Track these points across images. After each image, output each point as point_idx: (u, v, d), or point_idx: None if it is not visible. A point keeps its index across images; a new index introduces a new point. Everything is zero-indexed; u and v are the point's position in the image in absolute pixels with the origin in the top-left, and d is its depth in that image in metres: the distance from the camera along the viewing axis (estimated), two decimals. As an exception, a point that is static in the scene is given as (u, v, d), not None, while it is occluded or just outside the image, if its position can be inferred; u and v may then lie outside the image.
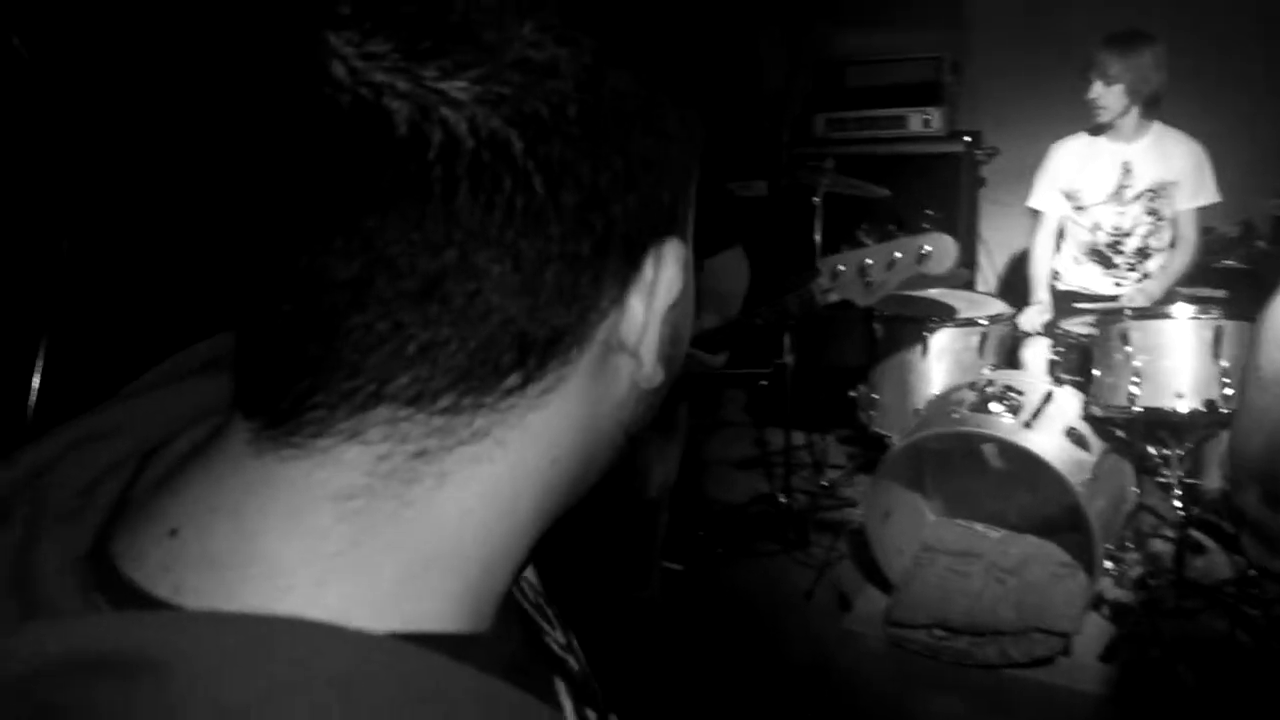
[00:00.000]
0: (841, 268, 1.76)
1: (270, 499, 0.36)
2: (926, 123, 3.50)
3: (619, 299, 0.39)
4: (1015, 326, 3.08)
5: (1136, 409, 2.36)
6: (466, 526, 0.38)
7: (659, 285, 0.40)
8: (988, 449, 2.78)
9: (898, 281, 1.74)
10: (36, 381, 1.65)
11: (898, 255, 1.70)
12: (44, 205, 1.85)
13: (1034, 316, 3.05)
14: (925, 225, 1.76)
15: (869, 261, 1.73)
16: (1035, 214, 3.22)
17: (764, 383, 3.10)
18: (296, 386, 0.36)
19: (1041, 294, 3.11)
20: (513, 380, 0.37)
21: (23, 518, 0.40)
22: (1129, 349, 2.37)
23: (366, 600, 0.36)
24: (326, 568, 0.35)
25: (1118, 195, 3.01)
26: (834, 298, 1.79)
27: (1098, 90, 2.90)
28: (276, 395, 0.36)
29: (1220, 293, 3.06)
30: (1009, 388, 2.55)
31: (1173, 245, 3.03)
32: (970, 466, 2.84)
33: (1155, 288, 2.97)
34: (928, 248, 1.69)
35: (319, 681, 0.32)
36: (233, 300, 0.39)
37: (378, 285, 0.34)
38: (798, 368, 2.96)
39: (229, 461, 0.38)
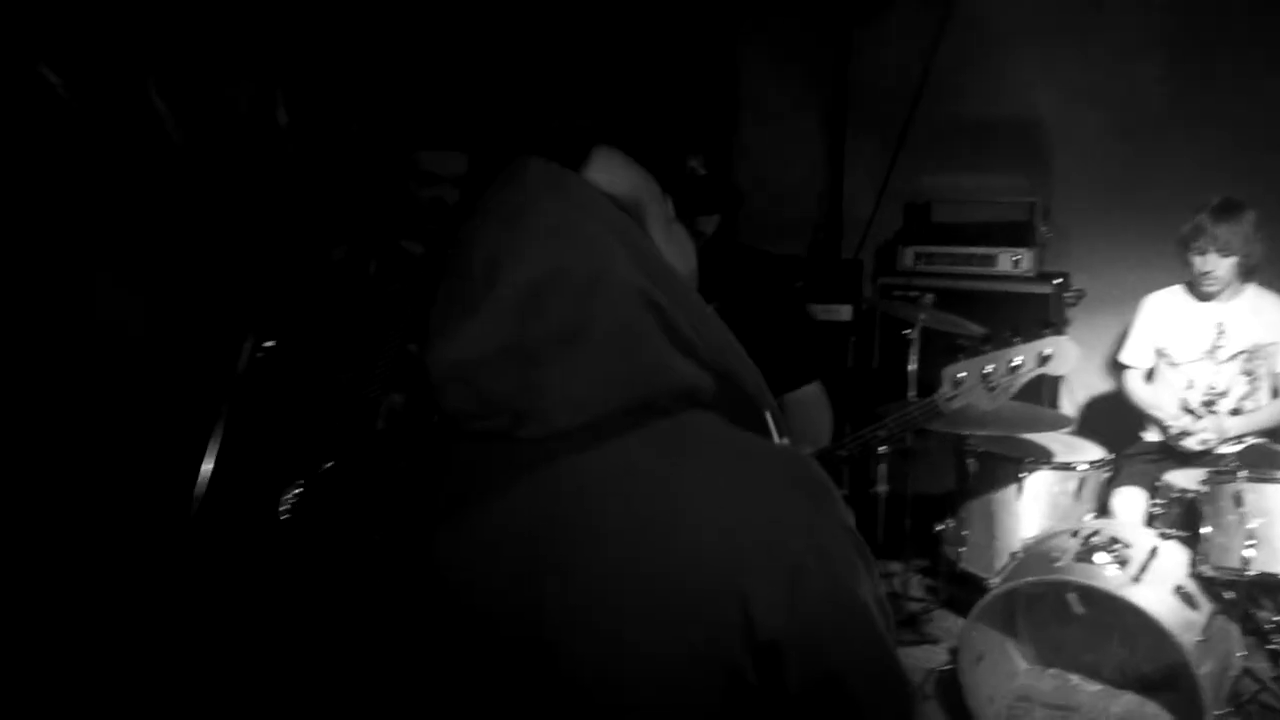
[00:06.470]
0: (963, 375, 1.81)
1: None
2: (1016, 263, 3.56)
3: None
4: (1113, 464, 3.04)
5: (1250, 572, 2.33)
6: None
7: None
8: (1070, 595, 2.73)
9: (1020, 384, 1.80)
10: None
11: (1020, 359, 1.76)
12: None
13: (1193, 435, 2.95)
14: (1045, 331, 1.84)
15: (991, 367, 1.78)
16: (1123, 366, 3.23)
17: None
18: None
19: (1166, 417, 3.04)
20: None
21: None
22: (1243, 510, 2.36)
23: None
24: None
25: (1212, 354, 3.02)
26: (958, 405, 1.84)
27: (1212, 262, 2.90)
28: None
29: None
30: (1114, 539, 2.52)
31: (1275, 396, 3.01)
32: (1059, 613, 2.78)
33: (1237, 425, 2.93)
34: (1048, 350, 1.75)
35: None
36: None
37: None
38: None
39: None
